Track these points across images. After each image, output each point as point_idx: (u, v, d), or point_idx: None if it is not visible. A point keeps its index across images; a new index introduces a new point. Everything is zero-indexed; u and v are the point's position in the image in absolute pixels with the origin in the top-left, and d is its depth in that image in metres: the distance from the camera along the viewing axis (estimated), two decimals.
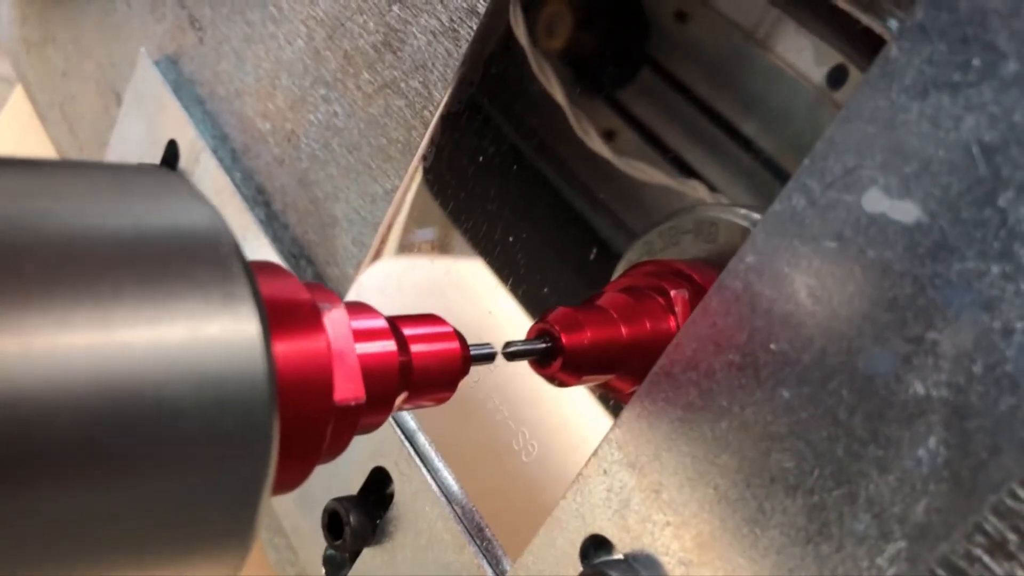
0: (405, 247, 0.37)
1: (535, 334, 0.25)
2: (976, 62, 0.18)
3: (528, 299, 0.32)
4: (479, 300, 0.33)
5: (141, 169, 0.17)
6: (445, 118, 0.35)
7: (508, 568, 0.31)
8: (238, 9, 0.47)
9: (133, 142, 0.53)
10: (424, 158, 0.36)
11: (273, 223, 0.45)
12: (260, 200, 0.46)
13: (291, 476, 0.18)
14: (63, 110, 0.66)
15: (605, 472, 0.25)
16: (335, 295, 0.20)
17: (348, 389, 0.19)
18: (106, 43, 0.59)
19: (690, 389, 0.23)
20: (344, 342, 0.19)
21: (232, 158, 0.48)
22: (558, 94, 0.31)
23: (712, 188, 0.27)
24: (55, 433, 0.13)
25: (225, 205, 0.45)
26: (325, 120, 0.42)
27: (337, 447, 0.19)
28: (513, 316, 0.32)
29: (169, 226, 0.15)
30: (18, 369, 0.13)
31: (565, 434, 0.30)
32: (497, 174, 0.33)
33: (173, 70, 0.52)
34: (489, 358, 0.24)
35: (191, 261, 0.15)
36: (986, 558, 0.18)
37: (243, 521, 0.15)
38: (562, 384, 0.26)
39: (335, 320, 0.19)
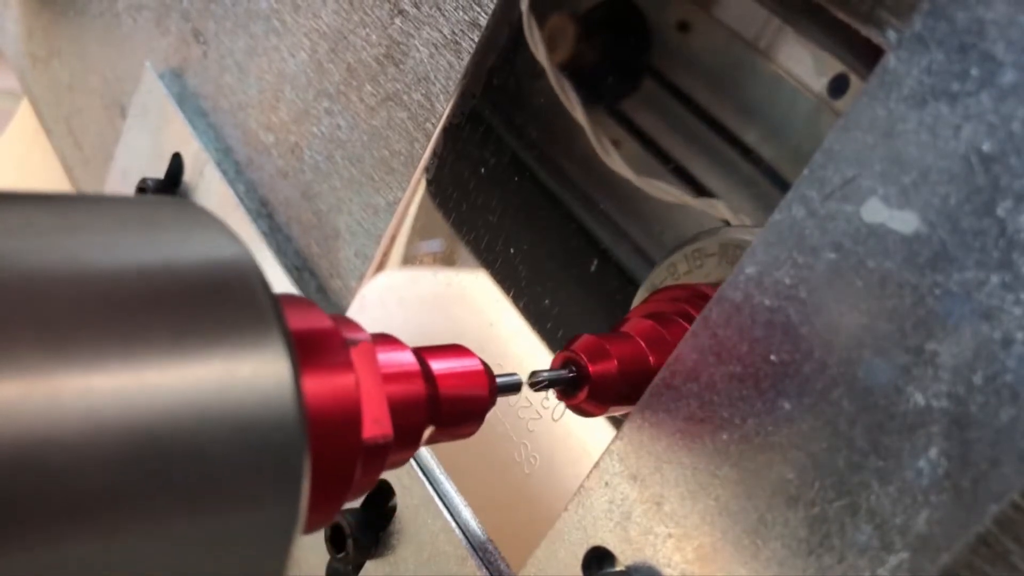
0: (408, 259, 0.37)
1: (561, 363, 0.25)
2: (974, 71, 0.18)
3: (530, 311, 0.32)
4: (481, 312, 0.33)
5: (165, 202, 0.17)
6: (447, 130, 0.35)
7: None
8: (241, 23, 0.47)
9: (138, 155, 0.53)
10: (426, 170, 0.36)
11: (276, 235, 0.45)
12: (263, 212, 0.46)
13: (319, 515, 0.18)
14: (69, 124, 0.66)
15: (607, 484, 0.25)
16: (361, 327, 0.20)
17: (376, 426, 0.18)
18: (111, 57, 0.60)
19: (691, 401, 0.23)
20: (372, 378, 0.19)
21: (236, 171, 0.48)
22: (579, 114, 0.30)
23: (711, 195, 0.27)
24: (86, 482, 0.12)
25: (228, 217, 0.45)
26: (328, 132, 0.42)
27: (364, 485, 0.19)
28: (515, 328, 0.32)
29: (197, 262, 0.15)
30: (45, 415, 0.12)
31: (566, 446, 0.30)
32: (499, 186, 0.33)
33: (177, 83, 0.53)
34: (515, 388, 0.24)
35: (220, 300, 0.15)
36: (988, 569, 0.18)
37: (274, 564, 0.15)
38: (587, 414, 0.25)
39: (363, 355, 0.19)
